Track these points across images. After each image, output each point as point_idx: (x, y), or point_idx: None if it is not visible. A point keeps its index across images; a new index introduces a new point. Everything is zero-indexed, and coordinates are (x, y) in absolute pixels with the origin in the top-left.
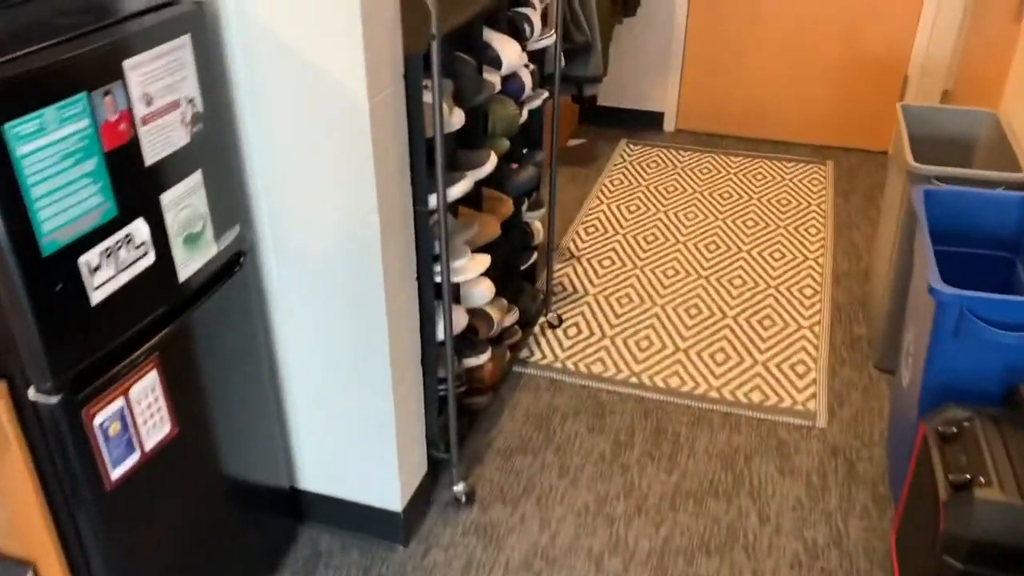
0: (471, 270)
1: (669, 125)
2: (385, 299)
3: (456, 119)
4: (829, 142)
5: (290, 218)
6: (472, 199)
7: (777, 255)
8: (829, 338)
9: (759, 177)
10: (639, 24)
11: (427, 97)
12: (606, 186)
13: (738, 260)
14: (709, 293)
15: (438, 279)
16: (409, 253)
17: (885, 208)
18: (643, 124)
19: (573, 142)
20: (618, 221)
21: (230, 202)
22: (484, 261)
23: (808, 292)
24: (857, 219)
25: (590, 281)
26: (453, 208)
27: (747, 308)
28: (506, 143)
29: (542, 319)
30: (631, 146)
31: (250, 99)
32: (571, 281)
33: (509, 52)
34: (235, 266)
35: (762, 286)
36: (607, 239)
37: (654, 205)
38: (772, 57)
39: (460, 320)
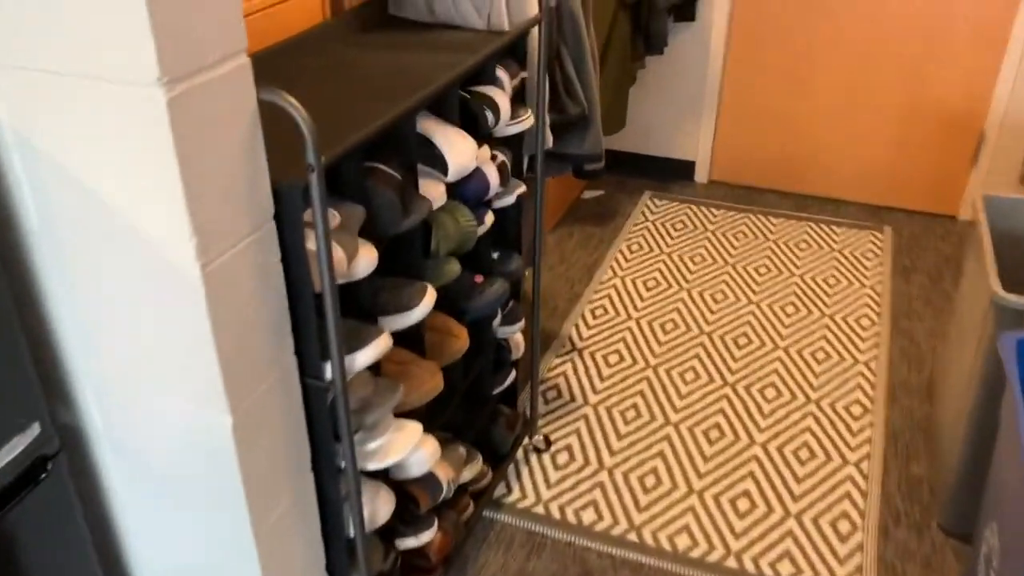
0: (395, 450)
1: (701, 176)
2: (250, 516)
3: (364, 263)
4: (887, 202)
5: (122, 409)
6: (410, 336)
7: (820, 355)
8: (881, 480)
9: (803, 246)
10: (667, 61)
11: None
12: (623, 253)
13: (773, 361)
14: (735, 408)
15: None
16: (296, 442)
17: (960, 312)
18: (671, 174)
19: (589, 194)
20: (632, 301)
21: (18, 397)
22: (412, 434)
23: (856, 411)
24: (919, 307)
25: (591, 384)
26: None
27: (781, 432)
28: (456, 267)
29: (526, 441)
30: (656, 200)
31: (52, 258)
32: (568, 384)
33: (459, 151)
34: (41, 473)
35: (800, 400)
36: (617, 325)
37: (677, 280)
38: (823, 101)
39: (384, 507)
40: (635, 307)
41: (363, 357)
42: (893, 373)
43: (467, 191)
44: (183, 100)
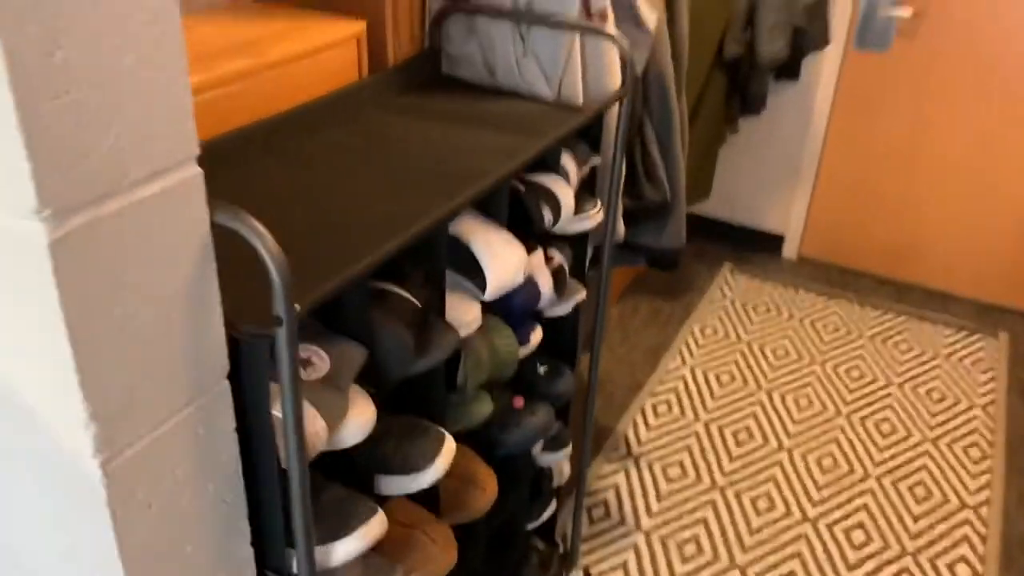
0: None
1: (790, 252)
2: None
3: (354, 427)
4: (1003, 301)
5: None
6: (424, 491)
7: (920, 492)
8: None
9: (903, 347)
10: (763, 122)
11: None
12: (695, 336)
13: (863, 493)
14: (815, 551)
15: None
16: None
17: None
18: (756, 247)
19: None
20: (702, 399)
21: None
22: None
23: (963, 571)
24: None
25: (646, 504)
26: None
27: None
28: (486, 408)
29: None
30: (736, 275)
31: None
32: (619, 500)
33: (503, 263)
34: None
35: (894, 549)
36: (682, 429)
37: (755, 378)
38: (936, 181)
39: None
40: (705, 407)
41: (343, 550)
42: (1009, 526)
43: (511, 306)
44: (78, 239)
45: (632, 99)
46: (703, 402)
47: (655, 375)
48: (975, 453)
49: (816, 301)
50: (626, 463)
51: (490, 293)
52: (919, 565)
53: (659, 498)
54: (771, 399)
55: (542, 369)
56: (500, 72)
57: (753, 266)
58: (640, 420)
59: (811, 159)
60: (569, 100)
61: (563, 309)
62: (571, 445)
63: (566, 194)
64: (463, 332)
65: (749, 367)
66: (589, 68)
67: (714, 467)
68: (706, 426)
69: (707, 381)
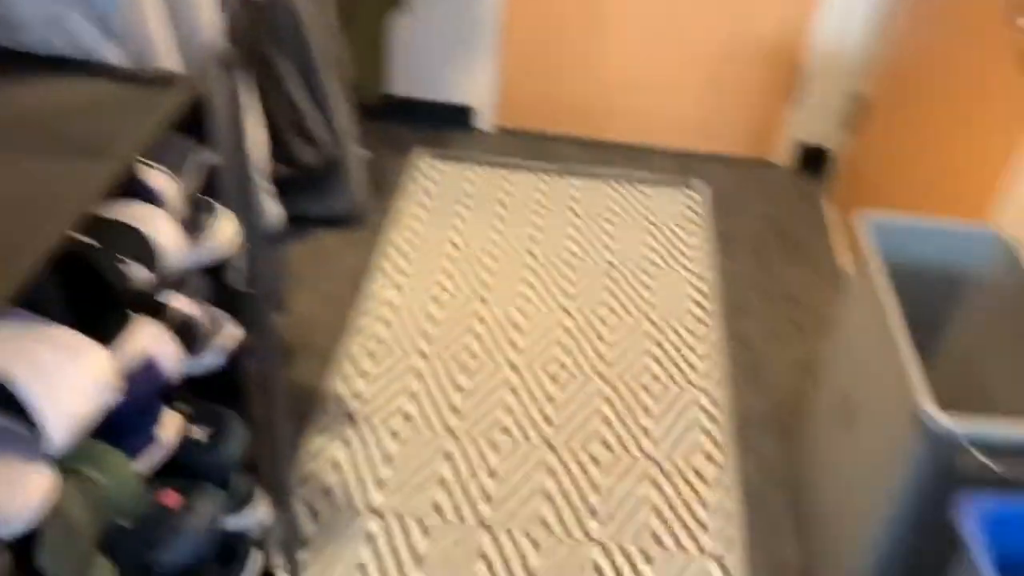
0: None
1: (485, 124)
2: None
3: None
4: (697, 147)
5: None
6: None
7: (649, 381)
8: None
9: (609, 215)
10: None
11: None
12: (398, 247)
13: (602, 403)
14: (561, 483)
15: None
16: None
17: (853, 348)
18: (448, 122)
19: None
20: (417, 324)
21: None
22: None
23: (700, 461)
24: (754, 299)
25: (374, 475)
26: None
27: (617, 513)
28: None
29: None
30: (431, 160)
31: None
32: (342, 478)
33: (67, 397)
34: None
35: (631, 457)
36: (401, 367)
37: (471, 286)
38: (625, 35)
39: None
40: (422, 334)
41: None
42: (739, 398)
43: (119, 416)
44: None
45: (250, 44)
46: (419, 328)
47: (358, 308)
48: (692, 324)
49: (516, 178)
50: (343, 429)
51: (59, 444)
52: (663, 479)
53: (388, 462)
54: (492, 311)
55: (201, 433)
56: (28, 29)
57: (448, 147)
58: (351, 369)
59: (492, 21)
60: (145, 62)
61: (210, 362)
62: (262, 489)
63: (163, 226)
64: (26, 513)
65: (463, 273)
66: (179, 8)
67: (443, 408)
68: (425, 357)
69: (420, 301)
